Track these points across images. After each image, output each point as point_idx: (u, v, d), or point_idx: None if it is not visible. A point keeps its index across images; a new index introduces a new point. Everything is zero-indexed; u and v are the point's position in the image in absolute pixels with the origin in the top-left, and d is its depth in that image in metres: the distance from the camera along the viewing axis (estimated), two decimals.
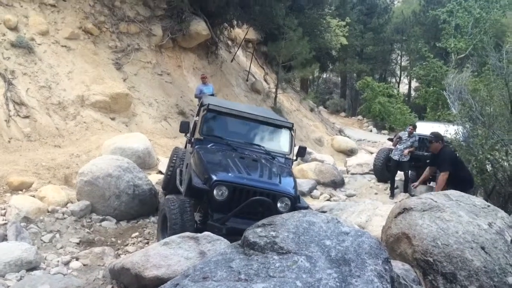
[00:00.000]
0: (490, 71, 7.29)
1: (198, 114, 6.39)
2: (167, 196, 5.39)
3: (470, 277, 3.42)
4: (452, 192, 4.38)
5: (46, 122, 8.40)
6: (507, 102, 6.50)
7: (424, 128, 10.59)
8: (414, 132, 9.68)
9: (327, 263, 2.51)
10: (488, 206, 4.13)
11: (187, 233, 3.80)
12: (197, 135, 5.73)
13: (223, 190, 4.61)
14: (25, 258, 4.40)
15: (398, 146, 9.59)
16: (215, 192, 4.59)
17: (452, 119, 9.01)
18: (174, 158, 6.73)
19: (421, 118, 24.79)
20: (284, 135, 6.12)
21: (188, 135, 6.18)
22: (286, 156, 5.90)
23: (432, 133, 6.73)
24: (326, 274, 2.40)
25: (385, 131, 28.99)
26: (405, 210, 4.09)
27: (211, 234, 3.84)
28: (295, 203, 4.85)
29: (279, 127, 6.14)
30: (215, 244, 3.73)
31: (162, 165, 8.54)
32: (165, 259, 3.45)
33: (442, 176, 6.14)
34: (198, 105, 11.12)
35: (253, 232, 2.81)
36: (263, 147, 5.82)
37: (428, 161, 9.47)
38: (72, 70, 9.66)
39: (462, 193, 4.44)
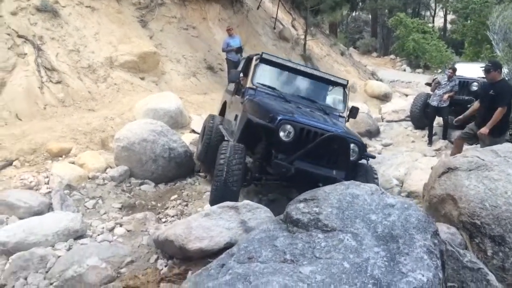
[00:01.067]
0: None
1: (244, 67, 6.22)
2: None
3: None
4: (499, 148, 4.17)
5: (78, 86, 8.45)
6: None
7: (464, 70, 10.04)
8: (453, 76, 9.20)
9: (374, 240, 2.44)
10: None
11: (227, 203, 3.80)
12: (249, 84, 5.53)
13: (290, 130, 4.40)
14: (72, 227, 4.54)
15: (436, 91, 9.17)
16: (281, 132, 4.38)
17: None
18: (211, 125, 6.20)
19: (459, 54, 23.53)
20: (338, 92, 5.95)
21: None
22: (340, 114, 5.74)
23: (490, 61, 6.19)
24: (374, 252, 2.34)
25: (420, 70, 27.87)
26: (449, 169, 3.94)
27: (251, 203, 3.83)
28: (363, 151, 4.73)
29: (333, 83, 5.95)
30: (255, 213, 3.72)
31: (194, 123, 8.54)
32: (207, 231, 3.48)
33: (500, 111, 5.54)
34: (225, 59, 10.93)
35: (295, 208, 2.75)
36: (317, 102, 5.62)
37: (469, 105, 9.09)
38: (98, 31, 9.55)
39: (511, 148, 4.21)
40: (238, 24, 13.71)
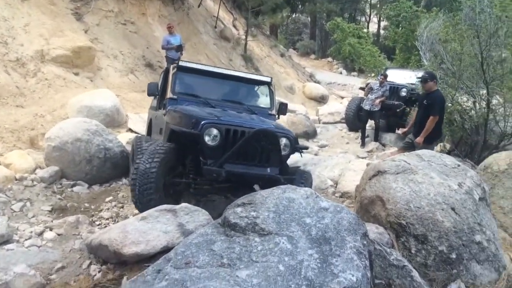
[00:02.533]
0: (462, 20, 7.22)
1: (163, 79, 5.97)
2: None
3: (441, 238, 3.56)
4: (424, 152, 4.47)
5: (5, 80, 7.91)
6: (478, 53, 6.52)
7: (395, 76, 10.66)
8: (385, 82, 9.73)
9: (308, 243, 2.53)
10: (458, 165, 4.24)
11: (165, 206, 3.76)
12: (169, 95, 5.29)
13: (215, 133, 4.21)
14: None
15: (369, 95, 9.66)
16: (206, 136, 4.18)
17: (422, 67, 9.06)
18: (138, 146, 5.34)
19: (391, 59, 24.84)
20: (264, 91, 5.83)
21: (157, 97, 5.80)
22: (269, 112, 5.59)
23: (427, 72, 6.47)
24: (308, 255, 2.43)
25: (355, 73, 29.07)
26: (379, 172, 4.16)
27: (189, 206, 3.81)
28: (295, 143, 4.61)
29: (257, 83, 5.83)
30: (193, 216, 3.71)
31: (132, 122, 8.34)
32: (143, 235, 3.42)
33: (432, 120, 5.83)
34: (165, 57, 10.75)
35: (233, 213, 2.79)
36: (244, 104, 5.45)
37: (398, 110, 9.65)
38: (29, 23, 8.99)
39: (434, 153, 4.53)
40: (178, 22, 13.53)
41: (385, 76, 9.85)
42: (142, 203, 4.21)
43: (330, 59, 32.61)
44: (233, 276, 2.24)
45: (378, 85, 9.69)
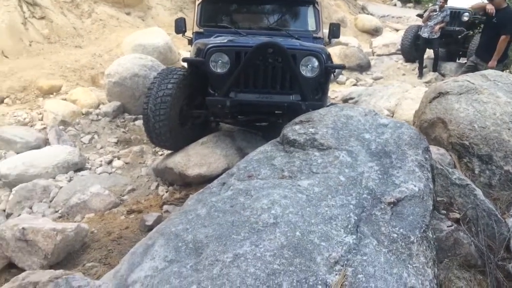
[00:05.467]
0: None
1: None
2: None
3: (506, 158, 3.46)
4: (489, 72, 4.24)
5: (62, 22, 8.19)
6: None
7: (457, 0, 9.90)
8: (445, 6, 9.06)
9: (368, 156, 2.55)
10: None
11: (223, 131, 3.87)
12: (195, 28, 4.72)
13: (223, 58, 3.57)
14: (71, 160, 4.63)
15: (428, 22, 9.07)
16: (212, 63, 3.57)
17: None
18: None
19: None
20: (306, 11, 4.97)
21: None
22: (314, 35, 4.73)
23: None
24: (368, 167, 2.46)
25: (410, 4, 27.24)
26: (440, 94, 4.02)
27: (246, 131, 3.90)
28: (325, 62, 3.72)
29: (298, 3, 4.97)
30: (250, 141, 3.82)
31: None
32: (205, 158, 3.59)
33: (504, 40, 5.37)
34: None
35: (291, 130, 2.83)
36: (282, 29, 4.68)
37: (460, 36, 9.04)
38: None
39: (500, 73, 4.29)
40: None
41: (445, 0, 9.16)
42: (157, 134, 3.74)
43: None
44: (295, 185, 2.32)
45: (437, 9, 9.04)
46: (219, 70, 3.58)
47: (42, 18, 7.94)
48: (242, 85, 3.60)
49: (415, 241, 2.06)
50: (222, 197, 2.34)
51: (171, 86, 3.66)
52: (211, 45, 3.61)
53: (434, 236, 2.31)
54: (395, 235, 2.06)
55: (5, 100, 6.15)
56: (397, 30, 16.91)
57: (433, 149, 3.66)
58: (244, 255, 1.84)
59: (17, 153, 4.81)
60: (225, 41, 3.74)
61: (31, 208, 3.82)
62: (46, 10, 8.08)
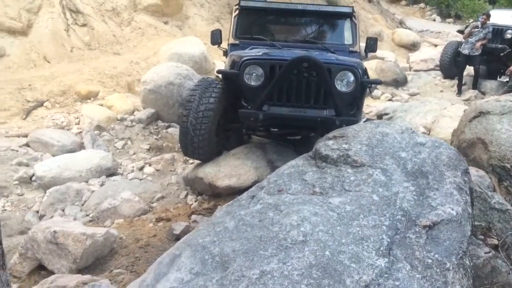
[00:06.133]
0: None
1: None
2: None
3: None
4: None
5: (103, 29, 8.44)
6: None
7: (499, 17, 9.57)
8: (487, 22, 8.79)
9: (403, 176, 2.46)
10: None
11: (254, 143, 3.85)
12: (231, 40, 4.71)
13: (257, 71, 3.54)
14: (104, 165, 4.73)
15: (469, 39, 8.81)
16: (246, 75, 3.55)
17: None
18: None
19: (492, 3, 22.34)
20: (343, 24, 4.87)
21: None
22: (350, 49, 4.64)
23: None
24: (403, 187, 2.37)
25: (450, 20, 26.65)
26: (481, 113, 3.87)
27: (277, 144, 3.87)
28: (361, 77, 3.65)
29: (334, 16, 4.90)
30: (281, 154, 3.78)
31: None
32: (235, 169, 3.57)
33: None
34: None
35: (324, 145, 2.78)
36: (318, 42, 4.62)
37: (502, 54, 8.73)
38: None
39: None
40: None
41: (488, 16, 8.87)
42: (195, 148, 3.73)
43: (422, 5, 30.11)
44: (326, 203, 2.26)
45: (479, 26, 8.78)
46: (253, 83, 3.57)
47: (84, 25, 8.22)
48: (276, 99, 3.58)
49: (451, 268, 1.96)
50: (251, 211, 2.30)
51: (213, 100, 3.68)
52: (245, 58, 3.61)
53: (471, 264, 2.19)
54: (430, 261, 1.96)
55: (45, 104, 6.37)
56: (435, 46, 16.53)
57: (472, 170, 3.51)
58: (271, 272, 1.79)
59: (53, 155, 4.95)
60: (260, 53, 3.73)
61: (63, 210, 3.90)
62: (88, 17, 8.36)
